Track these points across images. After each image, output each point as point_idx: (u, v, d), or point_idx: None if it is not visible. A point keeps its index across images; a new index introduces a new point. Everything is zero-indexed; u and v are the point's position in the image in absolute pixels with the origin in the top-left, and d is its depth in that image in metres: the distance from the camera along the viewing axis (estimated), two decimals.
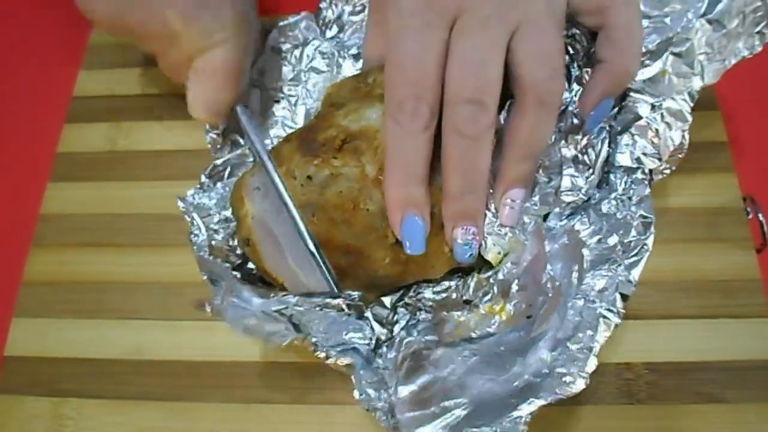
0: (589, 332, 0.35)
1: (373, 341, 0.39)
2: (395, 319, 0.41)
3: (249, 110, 0.43)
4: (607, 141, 0.40)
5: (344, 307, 0.38)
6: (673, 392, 0.39)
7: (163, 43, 0.40)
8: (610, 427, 0.39)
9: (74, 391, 0.42)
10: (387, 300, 0.41)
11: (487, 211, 0.38)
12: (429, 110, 0.33)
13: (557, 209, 0.40)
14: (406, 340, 0.40)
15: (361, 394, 0.36)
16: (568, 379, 0.34)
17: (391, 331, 0.41)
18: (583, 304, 0.36)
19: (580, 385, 0.33)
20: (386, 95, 0.34)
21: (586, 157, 0.39)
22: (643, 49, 0.39)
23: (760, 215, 0.43)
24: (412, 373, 0.38)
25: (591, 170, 0.39)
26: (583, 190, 0.39)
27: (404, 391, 0.37)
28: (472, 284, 0.40)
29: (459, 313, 0.39)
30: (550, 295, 0.36)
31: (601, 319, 0.35)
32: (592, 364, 0.34)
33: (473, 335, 0.38)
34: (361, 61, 0.48)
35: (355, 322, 0.39)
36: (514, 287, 0.38)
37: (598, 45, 0.37)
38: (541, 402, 0.33)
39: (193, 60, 0.41)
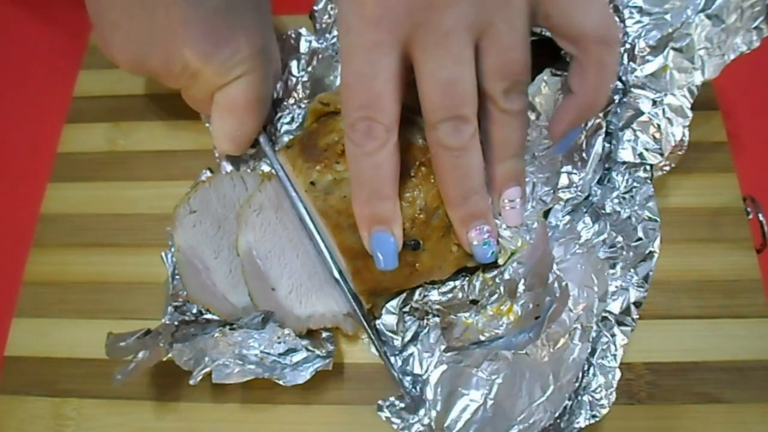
0: (611, 345, 0.36)
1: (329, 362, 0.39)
2: (405, 327, 0.41)
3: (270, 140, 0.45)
4: (601, 137, 0.40)
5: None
6: (673, 392, 0.39)
7: (184, 81, 0.41)
8: (610, 427, 0.39)
9: (74, 391, 0.42)
10: (393, 304, 0.42)
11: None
12: (384, 129, 0.33)
13: (557, 206, 0.40)
14: (426, 355, 0.40)
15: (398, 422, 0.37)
16: (599, 398, 0.35)
17: (403, 338, 0.41)
18: (599, 312, 0.37)
19: (610, 400, 0.35)
20: (342, 116, 0.34)
21: (583, 154, 0.39)
22: (644, 44, 0.39)
23: (760, 215, 0.43)
24: (447, 402, 0.38)
25: (586, 166, 0.39)
26: (579, 187, 0.39)
27: (448, 430, 0.37)
28: (478, 284, 0.40)
29: (467, 314, 0.39)
30: (557, 294, 0.37)
31: (618, 329, 0.36)
32: (617, 377, 0.35)
33: (482, 338, 0.38)
34: None
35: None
36: (521, 287, 0.38)
37: (570, 73, 0.37)
38: (581, 425, 0.35)
39: (214, 95, 0.42)
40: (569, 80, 0.37)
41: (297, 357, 0.39)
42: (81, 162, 0.50)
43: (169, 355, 0.37)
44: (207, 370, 0.37)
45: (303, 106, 0.48)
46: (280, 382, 0.37)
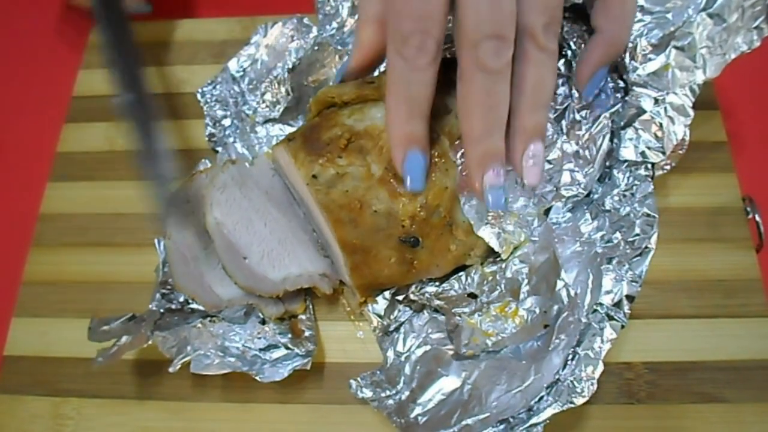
0: (597, 337, 0.36)
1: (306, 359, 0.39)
2: (398, 316, 0.41)
3: None
4: (608, 136, 0.40)
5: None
6: (673, 392, 0.39)
7: None
8: (610, 427, 0.39)
9: (74, 391, 0.42)
10: (385, 293, 0.42)
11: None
12: (435, 45, 0.33)
13: (559, 203, 0.40)
14: (412, 335, 0.41)
15: (368, 394, 0.37)
16: (578, 386, 0.35)
17: (389, 324, 0.41)
18: (589, 307, 0.37)
19: (590, 390, 0.34)
20: (391, 29, 0.34)
21: (587, 152, 0.39)
22: (646, 43, 0.39)
23: (756, 216, 0.43)
24: (425, 380, 0.38)
25: (591, 165, 0.39)
26: (582, 185, 0.39)
27: (419, 406, 0.37)
28: (476, 277, 0.40)
29: (467, 309, 0.39)
30: (565, 303, 0.37)
31: (607, 323, 0.36)
32: (599, 369, 0.35)
33: (489, 342, 0.38)
34: None
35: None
36: (525, 288, 0.38)
37: (593, 14, 0.37)
38: (555, 410, 0.34)
39: None
40: (594, 21, 0.37)
41: (277, 354, 0.40)
42: (80, 161, 0.50)
43: (150, 342, 0.38)
44: (187, 359, 0.38)
45: (290, 93, 0.48)
46: (258, 378, 0.38)
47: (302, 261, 0.42)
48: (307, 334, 0.41)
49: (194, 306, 0.42)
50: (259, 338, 0.40)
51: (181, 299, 0.42)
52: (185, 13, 0.58)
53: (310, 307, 0.43)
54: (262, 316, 0.41)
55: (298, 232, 0.43)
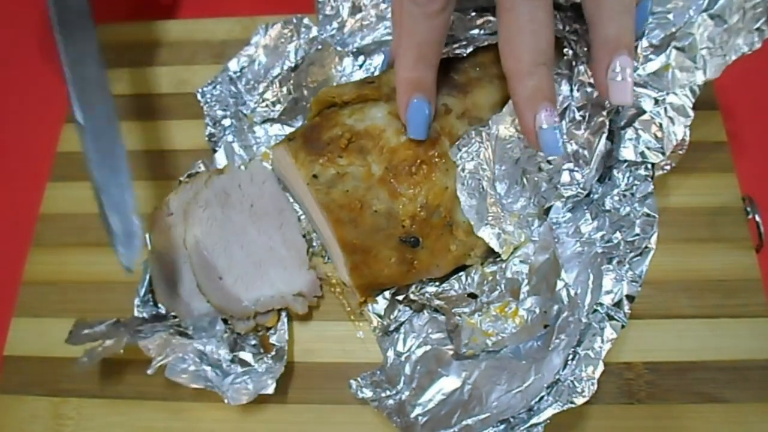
0: (597, 337, 0.36)
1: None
2: (398, 316, 0.41)
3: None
4: (605, 135, 0.40)
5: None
6: (673, 392, 0.39)
7: None
8: (610, 427, 0.39)
9: (74, 391, 0.42)
10: (385, 293, 0.42)
11: (496, 207, 0.38)
12: None
13: (559, 203, 0.40)
14: (412, 335, 0.41)
15: (369, 394, 0.38)
16: (578, 386, 0.35)
17: (389, 324, 0.41)
18: (590, 307, 0.37)
19: (590, 390, 0.35)
20: None
21: (586, 152, 0.39)
22: (647, 43, 0.39)
23: (756, 216, 0.43)
24: (425, 380, 0.38)
25: (589, 164, 0.40)
26: (581, 185, 0.40)
27: (419, 406, 0.37)
28: (476, 277, 0.40)
29: (467, 309, 0.39)
30: (565, 303, 0.37)
31: (607, 323, 0.36)
32: (599, 369, 0.35)
33: (489, 342, 0.38)
34: (362, 57, 0.48)
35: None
36: (525, 288, 0.38)
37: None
38: (556, 410, 0.35)
39: None
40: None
41: (242, 375, 0.39)
42: (81, 161, 0.50)
43: (123, 348, 0.39)
44: (164, 361, 0.39)
45: (290, 93, 0.48)
46: (225, 401, 0.38)
47: (275, 282, 0.42)
48: (278, 345, 0.41)
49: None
50: (225, 350, 0.40)
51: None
52: (185, 14, 0.58)
53: (285, 319, 0.42)
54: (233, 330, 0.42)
55: (279, 249, 0.43)
